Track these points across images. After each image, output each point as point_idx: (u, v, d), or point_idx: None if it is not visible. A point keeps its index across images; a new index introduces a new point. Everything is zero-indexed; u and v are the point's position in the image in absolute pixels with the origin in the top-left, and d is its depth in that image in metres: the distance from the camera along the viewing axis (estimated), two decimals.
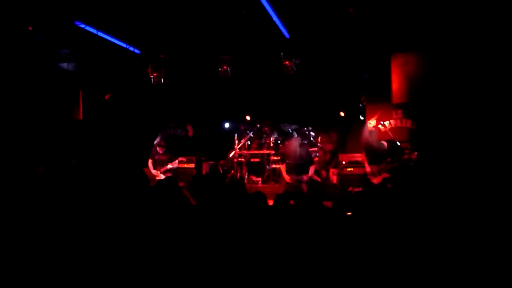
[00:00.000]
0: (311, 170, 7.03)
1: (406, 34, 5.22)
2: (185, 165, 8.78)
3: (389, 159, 6.53)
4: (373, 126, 8.44)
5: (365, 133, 6.68)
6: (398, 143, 6.71)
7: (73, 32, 5.00)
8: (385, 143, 6.66)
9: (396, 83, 5.34)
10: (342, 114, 9.76)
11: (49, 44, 5.39)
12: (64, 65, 6.54)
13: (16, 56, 5.66)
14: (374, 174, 6.67)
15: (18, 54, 5.49)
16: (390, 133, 6.94)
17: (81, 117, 6.86)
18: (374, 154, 6.72)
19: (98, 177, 7.27)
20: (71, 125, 7.16)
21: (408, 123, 8.11)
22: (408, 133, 7.95)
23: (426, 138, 6.49)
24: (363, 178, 7.42)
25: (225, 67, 6.01)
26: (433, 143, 7.03)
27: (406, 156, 6.41)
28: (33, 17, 4.36)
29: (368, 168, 6.81)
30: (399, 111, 8.17)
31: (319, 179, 7.98)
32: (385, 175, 6.51)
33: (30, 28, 4.31)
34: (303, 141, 7.39)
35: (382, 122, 7.33)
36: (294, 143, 7.15)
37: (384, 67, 6.32)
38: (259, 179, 9.25)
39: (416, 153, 6.39)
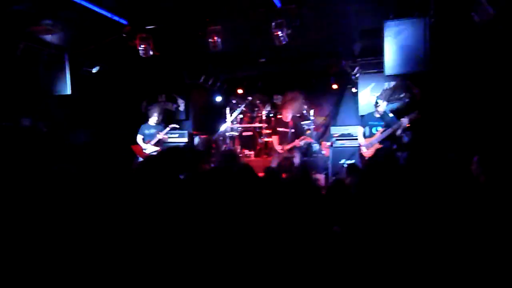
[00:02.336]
0: (302, 137, 7.02)
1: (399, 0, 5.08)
2: (177, 139, 8.72)
3: (382, 130, 6.53)
4: (366, 98, 8.41)
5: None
6: (391, 114, 6.68)
7: (55, 1, 4.79)
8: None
9: (389, 53, 5.22)
10: (334, 86, 9.67)
11: (30, 14, 5.17)
12: (48, 37, 6.32)
13: None
14: (366, 147, 6.67)
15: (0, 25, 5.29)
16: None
17: (68, 91, 6.70)
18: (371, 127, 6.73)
19: (87, 154, 7.18)
20: (58, 100, 7.00)
21: (401, 95, 8.07)
22: (402, 105, 7.93)
23: (420, 111, 6.44)
24: (356, 151, 7.44)
25: (215, 37, 5.84)
26: (426, 116, 7.01)
27: (396, 125, 6.39)
28: None
29: (361, 141, 6.81)
30: (392, 83, 8.12)
31: (311, 140, 7.97)
32: (378, 146, 6.52)
33: None
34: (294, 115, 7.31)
35: (374, 94, 7.28)
36: (287, 106, 7.10)
37: (377, 36, 6.17)
38: (252, 152, 9.23)
39: (407, 119, 6.34)
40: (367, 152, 6.64)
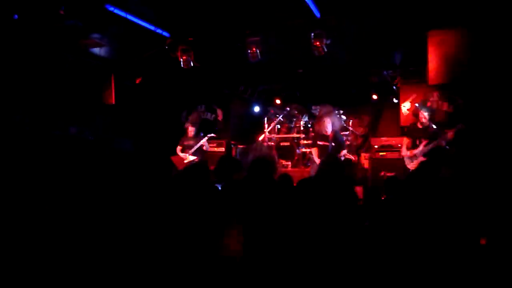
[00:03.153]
0: (343, 152, 6.88)
1: (443, 9, 4.92)
2: (215, 149, 8.85)
3: (425, 142, 6.31)
4: (408, 109, 8.19)
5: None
6: (434, 126, 6.45)
7: (103, 16, 5.04)
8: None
9: (433, 63, 5.07)
10: (374, 96, 9.49)
11: (81, 28, 5.46)
12: (96, 50, 6.64)
13: (49, 41, 5.78)
14: (411, 159, 6.45)
15: (51, 39, 5.61)
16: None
17: (113, 101, 6.98)
18: (413, 136, 6.52)
19: (128, 162, 7.42)
20: (104, 109, 7.30)
21: (445, 106, 7.79)
22: (445, 116, 7.65)
23: (465, 122, 6.20)
24: (398, 163, 7.23)
25: (254, 49, 5.90)
26: (472, 127, 6.74)
27: (441, 138, 6.16)
28: (65, 0, 4.41)
29: (404, 152, 6.61)
30: (435, 93, 7.86)
31: (352, 157, 7.80)
32: (422, 159, 6.29)
33: (62, 12, 4.36)
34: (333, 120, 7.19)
35: (416, 105, 7.05)
36: (325, 119, 6.98)
37: (420, 46, 6.02)
38: (289, 163, 9.18)
39: (451, 133, 6.11)
40: (411, 165, 6.43)
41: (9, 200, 3.85)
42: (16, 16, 4.38)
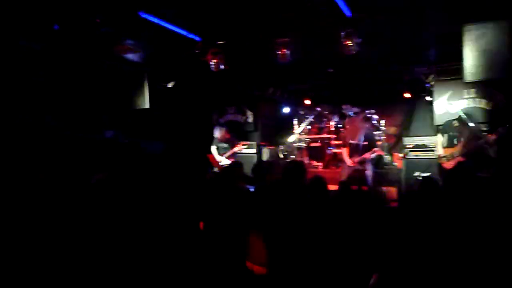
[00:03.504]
0: (374, 150, 6.78)
1: (480, 1, 4.75)
2: (246, 150, 8.90)
3: (464, 142, 6.11)
4: (442, 107, 7.96)
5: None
6: (474, 124, 6.24)
7: (136, 22, 5.17)
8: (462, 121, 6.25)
9: (469, 59, 4.90)
10: (407, 95, 9.28)
11: (115, 35, 5.63)
12: (130, 55, 6.82)
13: (86, 48, 6.00)
14: (447, 158, 6.27)
15: (88, 46, 5.81)
16: (463, 114, 6.46)
17: (147, 105, 7.16)
18: (450, 137, 6.34)
19: (166, 163, 7.57)
20: (138, 113, 7.49)
21: (482, 103, 7.53)
22: (483, 114, 7.40)
23: (505, 120, 5.97)
24: (432, 163, 7.05)
25: (283, 50, 5.90)
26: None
27: (482, 139, 5.96)
28: (99, 8, 4.57)
29: (440, 151, 6.43)
30: (472, 90, 7.61)
31: (382, 152, 7.66)
32: (459, 159, 6.09)
33: (98, 21, 4.53)
34: (365, 122, 7.12)
35: (452, 102, 6.85)
36: (356, 122, 6.93)
37: (455, 41, 5.84)
38: (320, 163, 9.12)
39: (492, 135, 5.91)
40: (448, 164, 6.25)
41: (45, 201, 3.99)
42: (56, 26, 4.57)
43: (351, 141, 6.92)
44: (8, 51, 5.08)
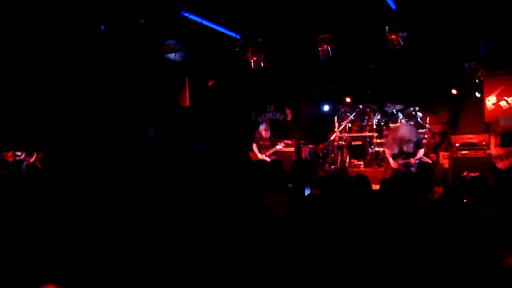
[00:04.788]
0: (420, 153, 6.48)
1: None
2: (285, 148, 8.84)
3: None
4: (493, 104, 7.56)
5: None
6: None
7: (178, 22, 5.25)
8: None
9: None
10: (454, 91, 8.88)
11: (157, 36, 5.75)
12: (171, 55, 6.95)
13: (130, 49, 6.16)
14: (500, 158, 5.92)
15: (132, 46, 5.97)
16: None
17: (187, 103, 7.26)
18: (504, 136, 5.98)
19: (205, 161, 7.66)
20: (180, 111, 7.62)
21: None
22: None
23: None
24: (482, 162, 6.71)
25: (325, 46, 5.80)
26: None
27: None
28: (143, 9, 4.67)
29: (493, 151, 6.09)
30: None
31: (429, 161, 7.35)
32: None
33: (142, 21, 4.63)
34: (410, 124, 6.85)
35: (506, 98, 6.45)
36: (401, 130, 6.62)
37: (507, 33, 5.52)
38: (361, 162, 8.90)
39: None
40: (500, 164, 5.90)
41: (89, 197, 4.10)
42: (102, 27, 4.71)
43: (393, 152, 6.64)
44: (56, 52, 5.30)
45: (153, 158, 7.30)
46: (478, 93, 8.19)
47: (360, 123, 9.44)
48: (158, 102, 7.38)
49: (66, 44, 4.95)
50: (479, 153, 7.06)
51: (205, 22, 5.48)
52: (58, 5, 4.28)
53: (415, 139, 6.56)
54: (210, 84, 7.97)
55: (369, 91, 9.89)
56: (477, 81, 7.96)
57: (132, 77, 6.77)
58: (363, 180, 3.91)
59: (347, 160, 9.08)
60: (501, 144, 6.00)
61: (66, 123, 6.02)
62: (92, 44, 5.14)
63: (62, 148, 6.19)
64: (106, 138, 6.50)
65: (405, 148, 6.39)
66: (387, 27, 5.23)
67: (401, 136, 6.43)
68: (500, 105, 7.34)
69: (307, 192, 4.43)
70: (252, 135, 7.84)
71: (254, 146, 7.69)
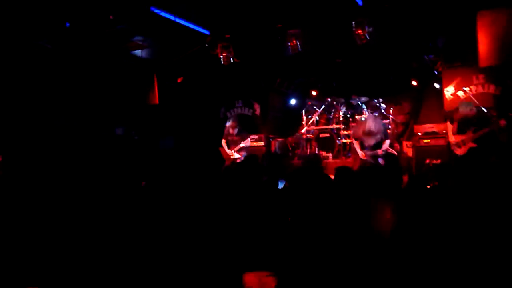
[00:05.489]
0: (386, 143, 6.73)
1: None
2: (255, 143, 8.89)
3: (475, 128, 6.08)
4: (451, 94, 7.95)
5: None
6: (485, 110, 6.23)
7: (148, 18, 5.17)
8: (474, 108, 6.21)
9: (483, 44, 4.90)
10: (415, 83, 9.25)
11: (126, 32, 5.62)
12: (138, 52, 6.81)
13: (97, 46, 5.99)
14: (458, 145, 6.25)
15: (99, 43, 5.81)
16: (474, 99, 6.44)
17: (157, 101, 7.15)
18: (461, 123, 6.29)
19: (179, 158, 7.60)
20: (148, 109, 7.49)
21: (491, 88, 7.52)
22: (492, 99, 7.39)
23: None
24: (443, 150, 7.04)
25: (294, 41, 5.89)
26: None
27: (493, 124, 5.93)
28: (113, 6, 4.56)
29: (451, 138, 6.40)
30: (481, 76, 7.59)
31: (395, 152, 7.65)
32: (471, 145, 6.08)
33: (111, 17, 4.51)
34: (376, 116, 7.09)
35: (463, 88, 6.80)
36: (368, 123, 6.83)
37: (464, 27, 5.83)
38: (330, 154, 9.11)
39: (503, 120, 5.89)
40: (459, 150, 6.22)
41: (57, 199, 4.00)
42: (68, 24, 4.56)
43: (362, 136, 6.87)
44: (19, 51, 5.08)
45: (122, 156, 7.16)
46: (438, 84, 8.57)
47: (327, 116, 9.65)
48: (127, 100, 7.23)
49: (31, 43, 4.75)
50: (440, 141, 7.38)
51: (174, 18, 5.42)
52: (22, 2, 4.11)
53: (382, 131, 6.82)
54: (179, 81, 7.89)
55: (334, 84, 10.13)
56: (436, 73, 8.33)
57: (99, 75, 6.59)
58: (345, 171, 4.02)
59: (316, 152, 9.27)
60: (458, 132, 6.34)
61: (30, 123, 5.78)
62: (58, 42, 4.96)
63: (24, 150, 5.95)
64: (74, 137, 6.30)
65: (372, 140, 6.62)
66: (354, 22, 5.38)
67: (368, 128, 6.65)
68: (458, 95, 7.73)
69: (281, 185, 4.52)
70: (221, 131, 7.85)
71: (223, 142, 7.69)
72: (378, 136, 6.67)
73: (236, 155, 7.46)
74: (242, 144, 7.49)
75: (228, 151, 7.56)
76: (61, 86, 6.09)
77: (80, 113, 6.69)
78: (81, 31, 4.97)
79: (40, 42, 4.72)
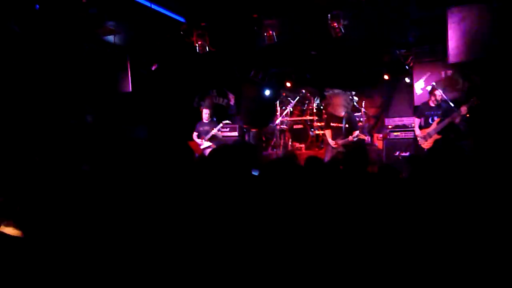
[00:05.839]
0: (355, 133, 6.89)
1: None
2: (228, 133, 8.89)
3: (438, 120, 6.30)
4: (421, 88, 8.19)
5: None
6: (451, 104, 6.45)
7: (121, 2, 5.04)
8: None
9: (453, 40, 5.06)
10: (386, 77, 9.47)
11: (98, 17, 5.46)
12: (111, 37, 6.63)
13: (65, 30, 5.78)
14: (424, 138, 6.46)
15: (67, 28, 5.61)
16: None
17: (129, 89, 7.00)
18: (427, 117, 6.51)
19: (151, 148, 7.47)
20: (121, 97, 7.33)
21: (459, 84, 7.79)
22: (460, 94, 7.65)
23: (480, 98, 6.19)
24: (411, 143, 7.26)
25: (270, 32, 5.90)
26: (487, 103, 6.74)
27: (455, 113, 6.14)
28: None
29: (417, 132, 6.61)
30: (450, 72, 7.84)
31: (365, 137, 7.83)
32: (436, 136, 6.30)
33: (84, 1, 4.37)
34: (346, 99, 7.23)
35: (432, 83, 6.99)
36: (337, 102, 7.02)
37: (435, 23, 6.00)
38: (303, 145, 9.24)
39: (464, 107, 6.07)
40: (425, 144, 6.44)
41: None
42: (37, 6, 4.38)
43: (332, 124, 7.02)
44: None
45: (94, 144, 6.99)
46: (408, 79, 8.80)
47: (301, 107, 9.77)
48: (98, 87, 7.04)
49: None
50: (409, 135, 7.63)
51: (150, 5, 5.30)
52: None
53: (349, 122, 7.01)
54: (153, 68, 7.75)
55: (308, 76, 10.23)
56: (407, 67, 8.55)
57: (70, 60, 6.38)
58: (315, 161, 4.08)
59: (289, 143, 9.38)
60: (424, 126, 6.56)
61: None
62: (26, 24, 4.76)
63: None
64: (43, 125, 6.10)
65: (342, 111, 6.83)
66: (329, 15, 5.44)
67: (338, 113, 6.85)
68: (427, 89, 7.96)
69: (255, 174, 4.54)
70: (194, 120, 7.79)
71: (194, 135, 7.64)
72: (348, 124, 6.86)
73: (206, 144, 7.43)
74: (213, 131, 7.45)
75: (198, 140, 7.51)
76: (30, 71, 5.86)
77: (49, 99, 6.47)
78: (52, 14, 4.78)
79: (8, 24, 4.51)
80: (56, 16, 4.89)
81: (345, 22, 5.48)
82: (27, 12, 4.66)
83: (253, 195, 3.54)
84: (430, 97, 6.52)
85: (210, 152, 6.00)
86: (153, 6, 5.33)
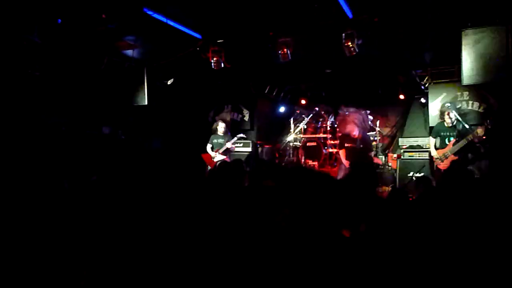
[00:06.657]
0: (370, 154, 6.87)
1: (479, 7, 4.89)
2: (242, 148, 8.95)
3: (455, 140, 6.25)
4: (437, 109, 8.11)
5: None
6: (467, 126, 6.38)
7: (139, 18, 5.19)
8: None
9: (467, 62, 5.04)
10: (402, 96, 9.42)
11: (116, 31, 5.63)
12: (129, 52, 6.82)
13: (85, 44, 5.98)
14: (440, 159, 6.39)
15: (87, 42, 5.80)
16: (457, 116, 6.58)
17: (146, 101, 7.15)
18: (443, 138, 6.46)
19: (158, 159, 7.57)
20: (136, 110, 7.48)
21: (475, 106, 7.70)
22: (476, 115, 7.57)
23: (499, 122, 6.12)
24: (426, 163, 7.18)
25: (285, 49, 5.97)
26: (504, 124, 6.66)
27: (471, 134, 6.08)
28: (106, 4, 4.58)
29: (433, 153, 6.56)
30: (465, 93, 7.77)
31: (380, 161, 7.78)
32: (452, 157, 6.23)
33: (104, 16, 4.54)
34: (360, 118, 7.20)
35: (448, 105, 6.94)
36: (351, 122, 6.99)
37: (451, 45, 5.98)
38: (316, 163, 9.21)
39: (480, 128, 6.02)
40: (442, 165, 6.37)
41: (46, 198, 3.97)
42: (59, 21, 4.56)
43: (347, 144, 7.00)
44: (9, 44, 5.05)
45: (108, 155, 7.13)
46: (424, 99, 8.74)
47: (314, 125, 9.77)
48: (115, 99, 7.22)
49: (20, 37, 4.73)
50: (424, 155, 7.54)
51: (166, 20, 5.45)
52: None
53: (364, 143, 6.97)
54: (169, 83, 7.91)
55: (323, 94, 10.25)
56: (423, 87, 8.50)
57: (89, 72, 6.58)
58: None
59: (302, 160, 9.36)
60: (439, 147, 6.50)
61: (16, 119, 5.74)
62: (48, 37, 4.95)
63: (11, 148, 5.89)
64: (62, 135, 6.27)
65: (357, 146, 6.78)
66: (344, 34, 5.49)
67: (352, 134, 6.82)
68: (442, 110, 7.88)
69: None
70: (208, 134, 7.87)
71: (208, 147, 7.71)
72: (362, 145, 6.81)
73: (219, 157, 7.48)
74: (227, 145, 7.51)
75: (211, 153, 7.57)
76: (50, 82, 6.07)
77: (68, 111, 6.66)
78: (73, 28, 4.97)
79: (30, 36, 4.70)
80: (77, 30, 5.07)
81: (359, 42, 5.52)
82: (49, 25, 4.84)
83: (243, 204, 3.55)
84: (444, 117, 6.48)
85: (209, 171, 6.01)
86: (170, 23, 5.48)
